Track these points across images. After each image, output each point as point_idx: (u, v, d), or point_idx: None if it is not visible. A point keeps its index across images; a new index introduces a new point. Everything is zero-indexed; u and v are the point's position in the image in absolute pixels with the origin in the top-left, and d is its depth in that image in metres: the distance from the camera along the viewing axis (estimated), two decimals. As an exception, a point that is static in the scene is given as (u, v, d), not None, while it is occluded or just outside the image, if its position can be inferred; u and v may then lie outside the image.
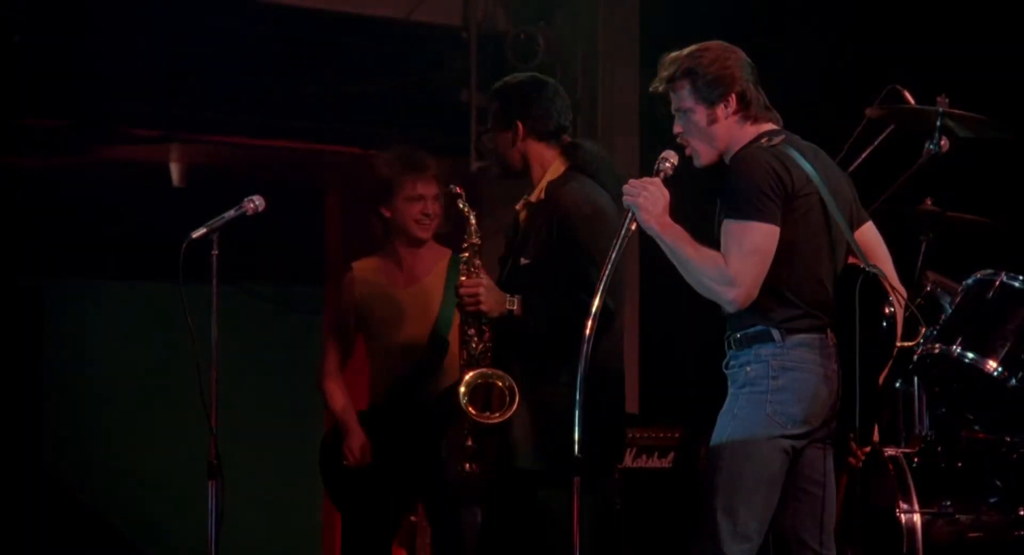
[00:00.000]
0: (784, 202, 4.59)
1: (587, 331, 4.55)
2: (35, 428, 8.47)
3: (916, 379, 5.64)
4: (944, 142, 6.04)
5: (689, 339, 7.19)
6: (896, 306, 4.69)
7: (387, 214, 6.10)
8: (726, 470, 4.61)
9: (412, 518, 6.80)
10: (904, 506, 5.54)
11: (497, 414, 5.31)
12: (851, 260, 4.73)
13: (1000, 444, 5.70)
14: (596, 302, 4.57)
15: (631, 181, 4.66)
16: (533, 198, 5.45)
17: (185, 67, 7.60)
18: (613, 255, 4.61)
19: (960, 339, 5.42)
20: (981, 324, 5.38)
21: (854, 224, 4.76)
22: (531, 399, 5.30)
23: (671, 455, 7.21)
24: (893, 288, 4.71)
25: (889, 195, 6.01)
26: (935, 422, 5.77)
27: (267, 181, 7.92)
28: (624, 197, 4.65)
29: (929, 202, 6.15)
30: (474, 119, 8.14)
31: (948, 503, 5.59)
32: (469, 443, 5.42)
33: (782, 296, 4.61)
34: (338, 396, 6.14)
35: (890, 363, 4.72)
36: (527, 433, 5.31)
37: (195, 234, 5.21)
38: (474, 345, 5.41)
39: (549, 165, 5.45)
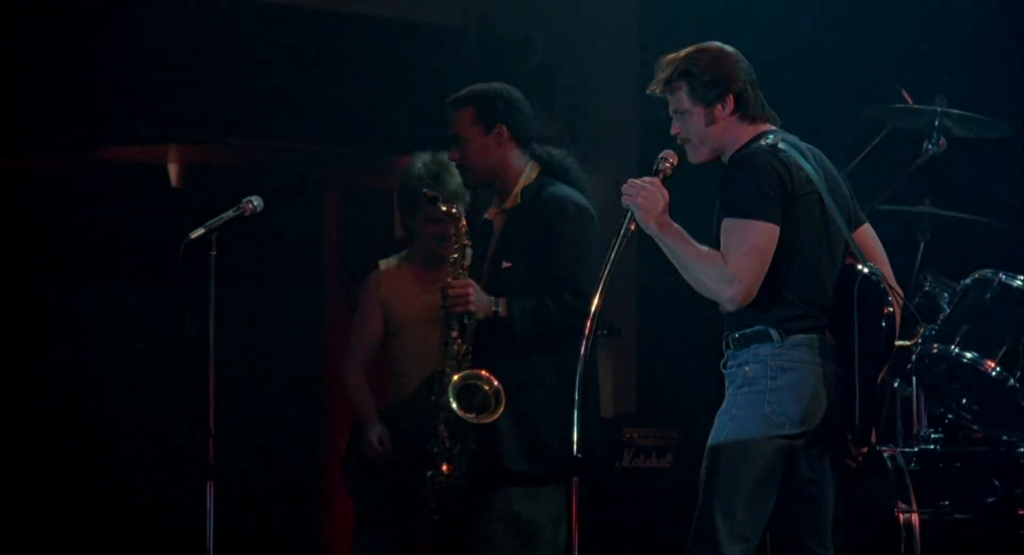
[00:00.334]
0: (785, 202, 4.59)
1: (587, 330, 4.56)
2: (33, 429, 8.46)
3: (915, 379, 5.64)
4: (942, 142, 6.05)
5: (687, 339, 7.20)
6: (895, 306, 4.69)
7: (407, 224, 6.11)
8: (724, 470, 4.61)
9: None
10: (903, 506, 5.54)
11: (484, 415, 5.33)
12: (848, 260, 4.73)
13: (998, 444, 5.70)
14: (596, 301, 4.57)
15: (630, 181, 4.66)
16: (508, 204, 5.48)
17: (183, 67, 7.59)
18: (612, 255, 4.61)
19: (959, 339, 5.43)
20: (979, 324, 5.39)
21: (851, 225, 4.76)
22: (517, 400, 5.33)
23: (669, 455, 7.22)
24: (892, 288, 4.71)
25: (887, 195, 6.03)
26: (933, 422, 5.77)
27: (265, 182, 7.91)
28: (623, 197, 4.65)
29: (927, 201, 6.16)
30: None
31: (946, 503, 5.60)
32: (447, 446, 5.44)
33: (781, 296, 4.61)
34: (361, 392, 6.12)
35: (888, 363, 4.71)
36: (513, 434, 5.33)
37: (193, 235, 5.22)
38: (456, 347, 5.44)
39: (522, 171, 5.47)
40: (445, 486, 5.47)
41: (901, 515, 5.53)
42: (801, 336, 4.62)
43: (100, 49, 7.47)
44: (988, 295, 5.49)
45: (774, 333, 4.62)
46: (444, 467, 5.46)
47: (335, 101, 8.02)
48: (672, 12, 7.78)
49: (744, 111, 4.73)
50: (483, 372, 5.37)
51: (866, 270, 4.64)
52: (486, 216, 5.59)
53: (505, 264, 5.42)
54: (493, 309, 5.35)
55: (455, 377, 5.38)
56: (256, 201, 5.38)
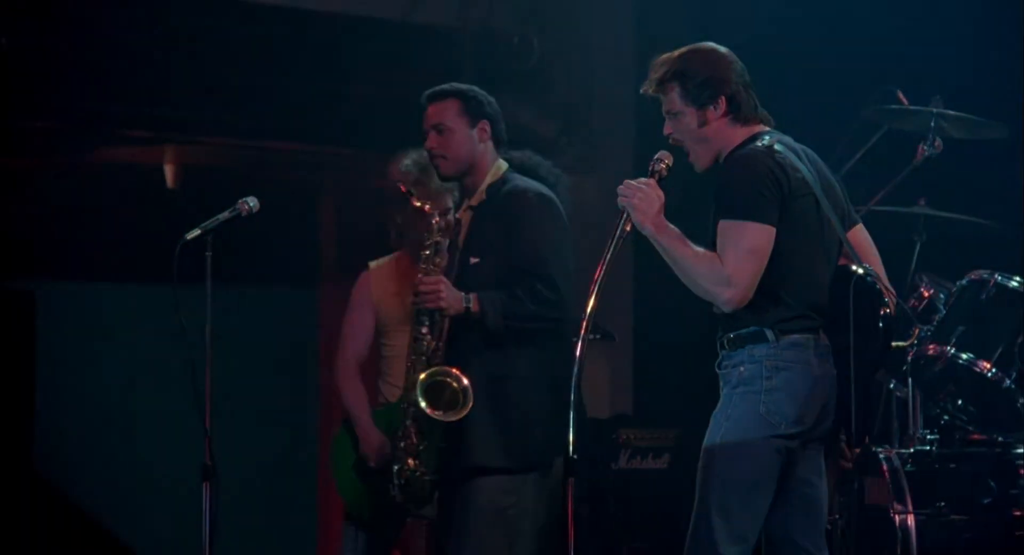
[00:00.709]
0: (781, 204, 4.59)
1: (583, 330, 4.56)
2: (28, 430, 8.45)
3: (911, 380, 5.64)
4: (938, 143, 6.06)
5: (683, 340, 7.20)
6: (890, 307, 4.69)
7: (399, 220, 6.11)
8: (721, 470, 4.61)
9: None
10: (898, 507, 5.53)
11: (451, 413, 5.35)
12: (843, 261, 4.74)
13: (994, 445, 5.70)
14: (591, 302, 4.57)
15: (626, 182, 4.66)
16: (475, 202, 5.51)
17: (180, 68, 7.60)
18: (608, 256, 4.61)
19: (954, 340, 5.44)
20: (975, 325, 5.40)
21: (845, 226, 4.76)
22: (495, 394, 5.34)
23: (665, 456, 7.23)
24: (887, 289, 4.71)
25: (883, 196, 6.03)
26: (929, 423, 5.77)
27: (261, 182, 7.91)
28: (619, 198, 4.64)
29: (923, 203, 6.16)
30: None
31: (942, 504, 5.59)
32: (413, 441, 5.46)
33: (777, 296, 4.61)
34: (355, 394, 6.13)
35: (883, 364, 4.72)
36: (487, 431, 5.35)
37: (189, 235, 5.22)
38: (426, 343, 5.46)
39: (490, 169, 5.50)
40: (410, 480, 5.49)
41: (897, 516, 5.53)
42: (796, 336, 4.63)
43: (97, 50, 7.47)
44: (984, 296, 5.50)
45: (769, 333, 4.62)
46: (410, 462, 5.49)
47: (331, 102, 8.02)
48: (669, 13, 7.78)
49: (736, 113, 4.72)
50: (453, 369, 5.39)
51: (861, 271, 4.65)
52: (457, 215, 5.63)
53: (473, 259, 5.47)
54: (464, 305, 5.37)
55: (422, 374, 5.40)
56: (252, 202, 5.38)
